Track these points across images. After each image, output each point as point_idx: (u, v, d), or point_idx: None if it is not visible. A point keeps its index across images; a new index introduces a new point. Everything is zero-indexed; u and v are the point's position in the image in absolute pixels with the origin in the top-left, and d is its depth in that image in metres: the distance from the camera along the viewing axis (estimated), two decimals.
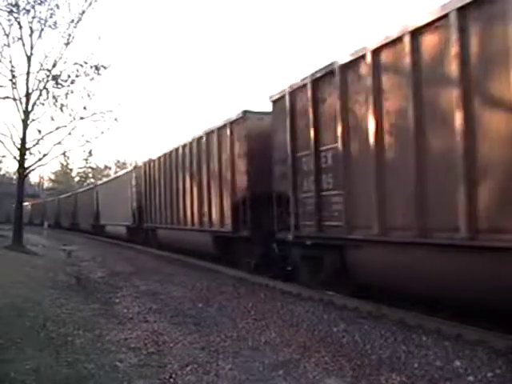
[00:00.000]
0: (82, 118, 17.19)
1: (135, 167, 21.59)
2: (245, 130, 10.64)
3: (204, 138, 12.87)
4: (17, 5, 16.03)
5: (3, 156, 20.41)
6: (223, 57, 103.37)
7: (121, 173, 26.44)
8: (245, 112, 10.69)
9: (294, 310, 7.48)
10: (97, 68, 16.98)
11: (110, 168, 67.97)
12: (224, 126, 11.65)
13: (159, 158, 17.26)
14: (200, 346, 5.67)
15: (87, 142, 17.75)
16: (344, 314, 7.02)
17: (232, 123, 11.26)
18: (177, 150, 15.19)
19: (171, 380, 4.57)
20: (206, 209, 12.76)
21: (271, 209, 9.48)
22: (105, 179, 36.13)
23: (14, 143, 16.84)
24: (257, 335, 6.16)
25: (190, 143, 13.95)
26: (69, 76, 16.71)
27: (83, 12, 16.63)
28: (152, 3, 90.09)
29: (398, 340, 5.69)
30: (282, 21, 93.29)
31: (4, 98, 16.76)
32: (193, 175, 13.77)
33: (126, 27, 68.52)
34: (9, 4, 15.99)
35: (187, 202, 14.16)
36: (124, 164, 60.59)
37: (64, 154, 20.23)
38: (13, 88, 16.56)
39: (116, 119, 17.57)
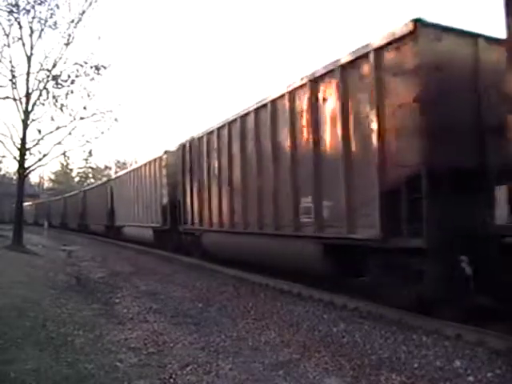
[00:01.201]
0: (82, 118, 17.23)
1: (166, 152, 16.93)
2: (416, 57, 6.05)
3: (307, 88, 8.18)
4: (17, 5, 16.08)
5: (3, 156, 20.49)
6: (223, 56, 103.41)
7: (143, 161, 20.53)
8: (417, 22, 6.02)
9: (294, 310, 7.48)
10: (97, 68, 17.01)
11: (110, 168, 68.07)
12: (361, 56, 6.94)
13: (209, 134, 12.53)
14: (200, 346, 5.66)
15: (87, 142, 17.81)
16: (344, 314, 7.02)
17: (381, 49, 6.60)
18: (244, 116, 10.52)
19: (171, 380, 4.56)
20: (308, 201, 8.12)
21: (477, 195, 5.64)
22: (122, 171, 27.95)
23: (14, 143, 16.90)
24: (257, 335, 6.16)
25: (273, 102, 9.33)
26: (69, 76, 16.75)
27: (83, 12, 16.68)
28: (152, 3, 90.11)
29: (398, 340, 5.69)
30: (281, 20, 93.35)
31: (4, 98, 16.81)
32: (276, 149, 9.17)
33: (125, 27, 68.64)
34: (9, 4, 16.06)
35: (264, 193, 9.58)
36: (124, 164, 60.56)
37: (64, 154, 20.24)
38: (13, 88, 16.62)
39: (116, 119, 17.63)
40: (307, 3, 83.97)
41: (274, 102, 9.34)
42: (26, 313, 6.73)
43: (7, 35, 16.26)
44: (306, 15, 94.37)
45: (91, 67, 16.91)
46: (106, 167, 69.12)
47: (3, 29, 16.24)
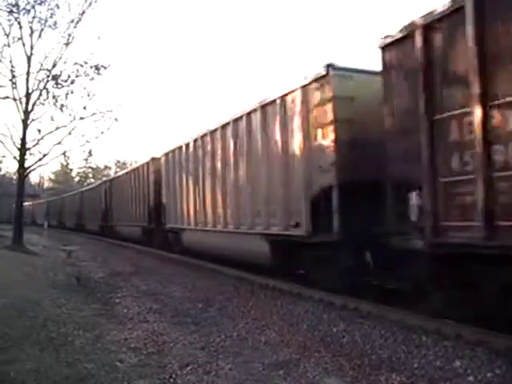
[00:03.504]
0: (81, 118, 17.27)
1: (331, 73, 7.76)
2: None
3: None
4: (17, 5, 16.12)
5: (3, 156, 20.54)
6: (222, 56, 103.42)
7: (239, 112, 10.67)
8: None
9: (294, 310, 7.48)
10: (97, 68, 17.05)
11: (110, 168, 68.10)
12: None
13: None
14: (200, 346, 5.67)
15: (87, 141, 17.88)
16: (344, 314, 7.02)
17: None
18: None
19: (171, 380, 4.57)
20: None
21: None
22: (181, 140, 14.50)
23: (14, 143, 16.95)
24: (257, 335, 6.16)
25: None
26: (69, 76, 16.80)
27: (83, 12, 16.75)
28: (152, 3, 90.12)
29: (398, 340, 5.68)
30: (280, 21, 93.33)
31: (4, 98, 16.84)
32: None
33: (125, 27, 68.78)
34: (9, 4, 16.11)
35: None
36: (124, 164, 60.55)
37: (64, 154, 20.29)
38: (13, 88, 16.67)
39: (116, 119, 17.66)
40: (307, 3, 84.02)
41: None
42: (26, 313, 6.73)
43: (7, 35, 16.34)
44: (305, 14, 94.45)
45: (91, 67, 16.96)
46: (106, 167, 69.22)
47: (3, 29, 16.32)
